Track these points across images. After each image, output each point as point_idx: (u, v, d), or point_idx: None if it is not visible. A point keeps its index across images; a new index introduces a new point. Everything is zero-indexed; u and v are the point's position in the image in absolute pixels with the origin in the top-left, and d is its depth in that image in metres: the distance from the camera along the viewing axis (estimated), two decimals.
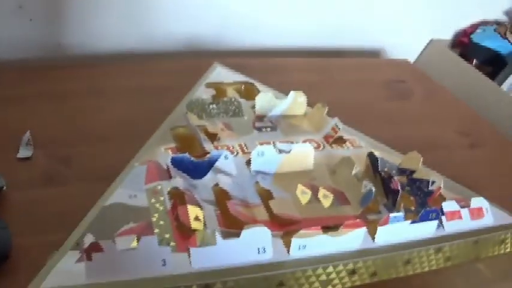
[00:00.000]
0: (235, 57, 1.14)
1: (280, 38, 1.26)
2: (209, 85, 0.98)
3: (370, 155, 0.77)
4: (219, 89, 0.98)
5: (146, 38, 1.16)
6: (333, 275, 0.63)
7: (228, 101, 0.90)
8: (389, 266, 0.66)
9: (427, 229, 0.68)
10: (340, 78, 1.15)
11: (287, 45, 1.27)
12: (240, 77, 1.02)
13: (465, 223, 0.70)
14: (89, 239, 0.56)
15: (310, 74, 1.15)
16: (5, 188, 0.68)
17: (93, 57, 1.12)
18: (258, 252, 0.61)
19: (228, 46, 1.23)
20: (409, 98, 1.12)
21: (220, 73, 1.03)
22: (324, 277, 0.62)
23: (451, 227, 0.69)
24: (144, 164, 0.74)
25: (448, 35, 1.44)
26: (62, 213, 0.63)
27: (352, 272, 0.64)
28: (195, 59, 1.11)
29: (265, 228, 0.60)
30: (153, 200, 0.67)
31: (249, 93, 0.95)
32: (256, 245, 0.60)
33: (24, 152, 0.75)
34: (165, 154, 0.75)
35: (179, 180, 0.70)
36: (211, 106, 0.89)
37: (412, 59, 1.35)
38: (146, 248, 0.56)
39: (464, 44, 1.39)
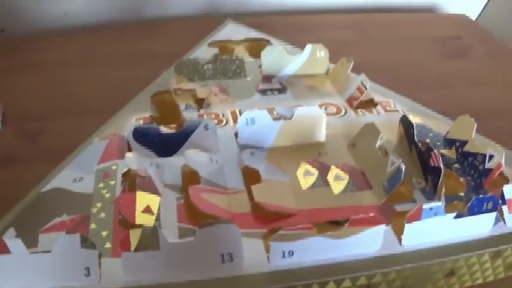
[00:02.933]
0: (255, 16, 0.94)
1: None
2: (213, 44, 0.78)
3: (404, 120, 0.55)
4: (223, 47, 0.78)
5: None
6: None
7: (228, 60, 0.71)
8: (424, 280, 0.45)
9: (480, 225, 0.46)
10: (381, 36, 0.95)
11: (321, 3, 1.05)
12: (255, 34, 0.81)
13: None
14: (9, 235, 0.45)
15: (345, 32, 0.95)
16: None
17: (86, 25, 0.97)
18: (223, 261, 0.41)
19: (250, 6, 1.02)
20: (465, 57, 0.89)
21: (231, 30, 0.83)
22: None
23: None
24: (106, 138, 0.55)
25: None
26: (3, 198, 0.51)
27: None
28: (205, 20, 0.91)
29: (234, 225, 0.40)
30: (101, 185, 0.51)
31: (260, 50, 0.73)
32: (219, 249, 0.41)
33: None
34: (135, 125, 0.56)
35: (134, 158, 0.50)
36: (205, 66, 0.68)
37: (472, 17, 1.11)
38: (65, 251, 0.40)
39: None
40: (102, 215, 0.47)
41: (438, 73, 0.82)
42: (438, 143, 0.56)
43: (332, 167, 0.52)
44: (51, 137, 0.64)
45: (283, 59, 0.70)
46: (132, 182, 0.49)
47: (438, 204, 0.43)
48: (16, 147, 0.63)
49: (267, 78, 0.69)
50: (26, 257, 0.40)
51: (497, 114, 0.71)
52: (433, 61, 0.86)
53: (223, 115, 0.61)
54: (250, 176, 0.51)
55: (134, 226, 0.44)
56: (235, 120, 0.60)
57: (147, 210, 0.46)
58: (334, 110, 0.62)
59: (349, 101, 0.64)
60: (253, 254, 0.43)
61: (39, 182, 0.53)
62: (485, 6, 1.11)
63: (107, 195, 0.49)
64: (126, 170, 0.51)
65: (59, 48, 0.85)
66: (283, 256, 0.42)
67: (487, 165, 0.50)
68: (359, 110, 0.63)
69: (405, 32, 0.96)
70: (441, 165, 0.48)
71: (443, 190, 0.48)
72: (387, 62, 0.84)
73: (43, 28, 0.93)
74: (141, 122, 0.60)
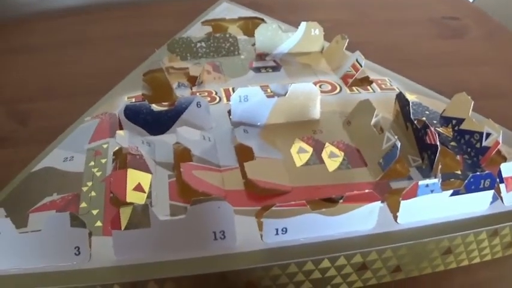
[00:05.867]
0: None
1: None
2: (206, 22, 0.76)
3: (400, 97, 0.54)
4: (217, 26, 0.77)
5: None
6: (331, 272, 0.42)
7: (221, 37, 0.69)
8: (420, 258, 0.44)
9: (477, 203, 0.45)
10: (377, 16, 0.94)
11: None
12: (250, 14, 0.80)
13: None
14: None
15: (341, 12, 0.95)
16: None
17: (77, 6, 0.95)
18: (215, 239, 0.40)
19: None
20: (462, 38, 0.88)
21: (226, 10, 0.82)
22: (317, 275, 0.42)
23: None
24: (98, 117, 0.54)
25: None
26: None
27: (362, 267, 0.43)
28: (200, 0, 0.90)
29: (226, 203, 0.39)
30: (91, 164, 0.50)
31: (254, 29, 0.71)
32: (211, 227, 0.41)
33: None
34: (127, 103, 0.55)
35: (126, 136, 0.49)
36: (198, 44, 0.67)
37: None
38: (55, 229, 0.39)
39: None
40: (93, 193, 0.46)
41: (434, 53, 0.81)
42: (434, 121, 0.55)
43: (327, 144, 0.52)
44: (42, 118, 0.64)
45: (277, 37, 0.69)
46: (124, 160, 0.48)
47: (434, 181, 0.42)
48: (7, 128, 0.62)
49: (261, 56, 0.68)
50: (16, 236, 0.39)
51: (493, 93, 0.70)
52: (429, 41, 0.85)
53: (216, 93, 0.60)
54: (244, 154, 0.50)
55: (125, 204, 0.43)
56: (228, 97, 0.59)
57: (138, 188, 0.45)
58: (329, 87, 0.61)
59: (344, 78, 0.63)
60: (246, 231, 0.42)
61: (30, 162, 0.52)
62: None
63: (98, 174, 0.49)
64: (117, 148, 0.49)
65: (49, 30, 0.84)
66: (277, 233, 0.41)
67: (484, 143, 0.49)
68: (354, 88, 0.62)
69: (401, 13, 0.95)
70: (437, 143, 0.47)
71: (440, 168, 0.47)
72: (383, 41, 0.83)
73: (32, 10, 0.91)
74: (133, 100, 0.58)
